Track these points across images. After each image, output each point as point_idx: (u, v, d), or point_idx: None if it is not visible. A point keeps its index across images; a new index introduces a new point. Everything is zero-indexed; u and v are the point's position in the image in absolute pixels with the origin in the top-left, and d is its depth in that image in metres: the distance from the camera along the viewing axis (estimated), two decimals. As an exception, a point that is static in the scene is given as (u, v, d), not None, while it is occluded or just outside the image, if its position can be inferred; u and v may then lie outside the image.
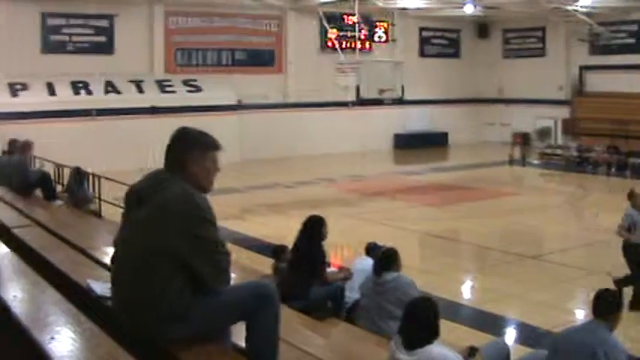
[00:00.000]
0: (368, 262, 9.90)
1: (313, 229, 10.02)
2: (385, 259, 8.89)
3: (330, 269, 10.75)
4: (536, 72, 41.36)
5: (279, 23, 36.53)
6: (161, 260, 4.67)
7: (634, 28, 38.34)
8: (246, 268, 11.83)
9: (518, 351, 8.90)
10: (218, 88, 33.00)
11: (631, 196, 13.04)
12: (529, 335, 11.22)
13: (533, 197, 26.76)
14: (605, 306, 6.61)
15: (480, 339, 8.75)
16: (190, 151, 4.88)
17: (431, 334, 5.89)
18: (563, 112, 40.64)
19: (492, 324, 11.95)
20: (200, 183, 4.88)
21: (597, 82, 39.82)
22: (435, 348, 5.83)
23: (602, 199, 27.30)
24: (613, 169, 32.42)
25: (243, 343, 4.96)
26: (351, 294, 9.85)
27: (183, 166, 4.85)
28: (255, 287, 5.07)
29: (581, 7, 35.89)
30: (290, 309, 7.88)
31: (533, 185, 31.27)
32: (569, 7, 35.87)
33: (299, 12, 36.55)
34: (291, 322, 6.88)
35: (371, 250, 10.68)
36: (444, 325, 6.11)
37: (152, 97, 31.35)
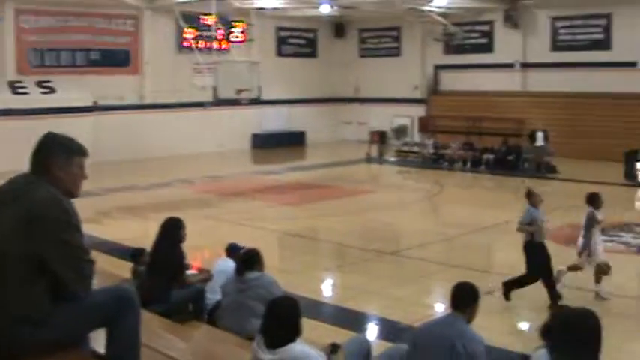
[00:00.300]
0: (228, 264, 9.82)
1: (171, 232, 9.86)
2: (248, 259, 8.83)
3: (190, 271, 10.62)
4: (392, 71, 42.12)
5: (135, 23, 35.93)
6: (23, 264, 4.52)
7: (486, 28, 39.51)
8: (104, 273, 11.54)
9: (380, 346, 8.99)
10: (73, 89, 32.07)
11: (529, 195, 13.30)
12: (390, 330, 11.36)
13: (391, 194, 27.17)
14: (462, 298, 6.71)
15: (341, 336, 8.76)
16: (56, 157, 4.77)
17: (293, 332, 5.85)
18: (419, 111, 41.52)
19: (353, 320, 12.03)
20: (66, 188, 4.77)
21: (452, 81, 40.88)
22: (297, 346, 5.80)
23: (458, 195, 27.98)
24: (468, 165, 33.31)
25: (102, 349, 4.83)
26: (212, 295, 9.75)
27: (48, 171, 4.73)
28: (114, 291, 4.97)
29: (435, 7, 36.70)
30: (150, 313, 7.73)
31: (390, 183, 31.76)
32: (424, 8, 36.64)
33: (155, 11, 36.04)
34: (151, 326, 6.74)
35: (231, 250, 10.60)
36: (306, 323, 6.08)
37: (3, 98, 30.16)
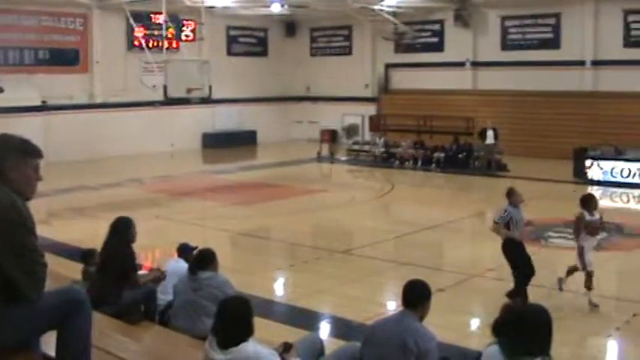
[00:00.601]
0: (180, 264, 9.76)
1: (121, 232, 9.75)
2: (202, 258, 8.77)
3: (141, 272, 10.52)
4: (343, 70, 42.24)
5: (84, 22, 35.57)
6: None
7: (437, 27, 39.73)
8: (54, 275, 11.40)
9: (333, 344, 8.97)
10: (21, 89, 31.66)
11: (510, 194, 13.12)
12: (342, 328, 11.37)
13: (342, 193, 27.19)
14: (414, 296, 6.72)
15: (294, 335, 8.75)
16: (9, 158, 4.71)
17: (245, 332, 5.82)
18: (370, 109, 41.64)
19: (306, 319, 12.03)
20: (20, 190, 4.70)
21: (402, 80, 41.06)
22: (250, 346, 5.77)
23: (409, 193, 28.11)
24: (419, 164, 33.45)
25: (53, 352, 4.77)
26: (164, 296, 9.67)
27: (1, 173, 4.66)
28: (65, 293, 4.91)
29: (386, 6, 36.82)
30: (101, 314, 7.66)
31: (341, 181, 31.79)
32: (375, 7, 36.74)
33: (105, 10, 35.70)
34: (103, 328, 6.69)
35: (183, 251, 10.53)
36: (258, 322, 6.05)
37: (-51, 97, 29.70)
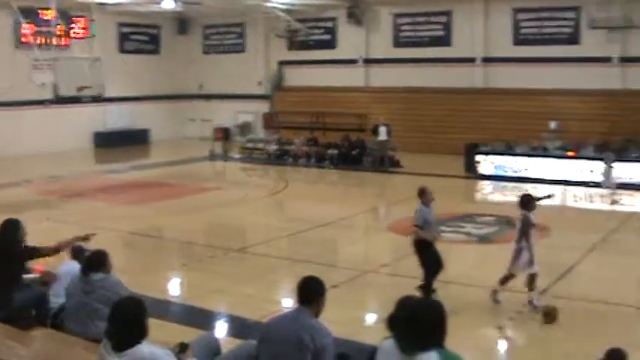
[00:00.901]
0: (73, 266, 9.57)
1: (10, 234, 9.53)
2: (94, 260, 8.61)
3: (32, 275, 10.29)
4: (236, 67, 42.17)
5: (-31, 18, 34.61)
6: None
7: (330, 24, 39.97)
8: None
9: (229, 343, 8.96)
10: None
11: (422, 193, 13.09)
12: (238, 327, 11.35)
13: (236, 191, 27.16)
14: (309, 293, 6.74)
15: (190, 334, 8.69)
16: None
17: (139, 333, 5.76)
18: (263, 107, 41.69)
19: (201, 319, 11.96)
20: None
21: (296, 77, 41.22)
22: (145, 347, 5.71)
23: (303, 190, 28.20)
24: (312, 161, 33.59)
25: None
26: (56, 299, 9.46)
27: None
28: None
29: (279, 4, 36.87)
30: (-10, 319, 7.48)
31: (235, 179, 31.74)
32: (268, 4, 36.74)
33: (-10, 6, 34.81)
34: (-9, 333, 6.53)
35: (76, 253, 10.33)
36: (153, 323, 5.99)
37: None
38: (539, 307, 12.04)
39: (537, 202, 12.99)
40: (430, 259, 12.83)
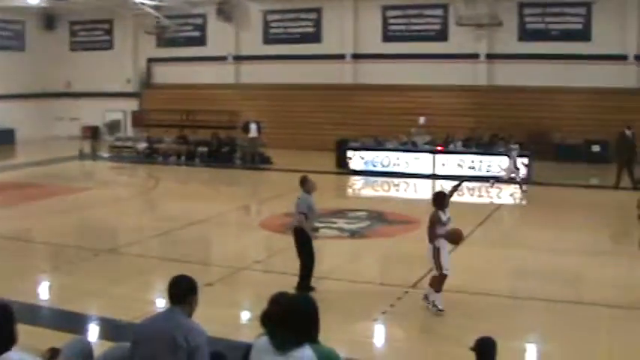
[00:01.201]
0: None
1: None
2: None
3: None
4: (104, 65, 41.56)
5: None
6: None
7: (199, 21, 39.78)
8: None
9: (102, 346, 8.83)
10: None
11: (303, 182, 13.19)
12: (111, 329, 11.18)
13: (106, 191, 26.78)
14: (180, 291, 6.68)
15: (61, 339, 8.51)
16: None
17: (7, 341, 5.61)
18: (132, 105, 41.19)
19: (73, 322, 11.72)
20: None
21: (165, 75, 40.89)
22: (14, 355, 5.57)
23: (173, 189, 27.99)
24: (183, 159, 33.38)
25: None
26: None
27: None
28: None
29: (148, 0, 36.43)
30: None
31: (104, 179, 31.28)
32: (137, 0, 36.24)
33: None
34: None
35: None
36: (22, 329, 5.84)
37: None
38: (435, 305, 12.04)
39: (454, 192, 13.04)
40: (309, 251, 12.97)
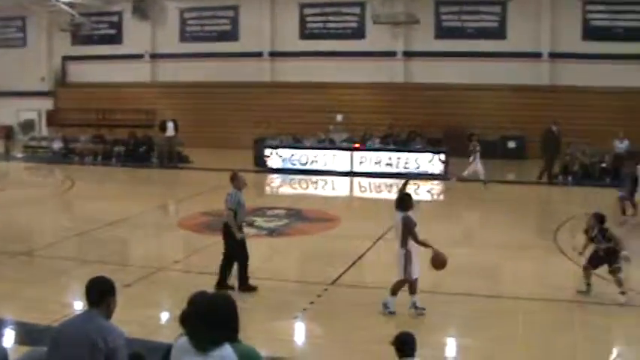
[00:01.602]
0: None
1: None
2: None
3: None
4: (17, 63, 40.72)
5: None
6: None
7: (115, 19, 39.36)
8: None
9: (18, 352, 8.66)
10: None
11: (234, 178, 13.25)
12: (27, 333, 10.96)
13: (20, 191, 26.29)
14: (97, 293, 6.55)
15: (-26, 345, 8.35)
16: None
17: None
18: (47, 104, 40.52)
19: (-13, 327, 11.49)
20: None
21: (81, 73, 40.37)
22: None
23: (90, 189, 27.61)
24: (99, 159, 32.99)
25: None
26: None
27: None
28: None
29: (63, -4, 35.93)
30: None
31: (18, 179, 30.71)
32: (51, -3, 35.71)
33: None
34: None
35: None
36: None
37: None
38: (421, 308, 11.95)
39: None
40: (237, 248, 13.05)
